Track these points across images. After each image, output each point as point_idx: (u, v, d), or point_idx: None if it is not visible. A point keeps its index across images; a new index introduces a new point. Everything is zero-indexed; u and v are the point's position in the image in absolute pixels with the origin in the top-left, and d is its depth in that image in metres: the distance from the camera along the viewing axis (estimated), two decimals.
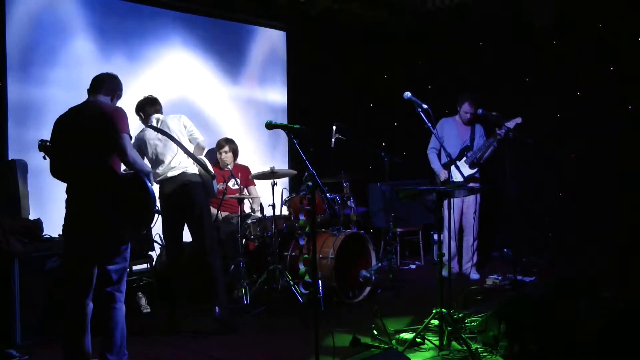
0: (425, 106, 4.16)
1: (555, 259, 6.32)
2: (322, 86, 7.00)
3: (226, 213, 5.70)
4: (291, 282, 5.00)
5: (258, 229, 5.44)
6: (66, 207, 3.39)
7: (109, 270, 3.33)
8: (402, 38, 7.58)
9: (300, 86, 7.04)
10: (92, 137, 3.29)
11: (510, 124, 5.51)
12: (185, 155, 4.40)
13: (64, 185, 3.45)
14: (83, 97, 3.46)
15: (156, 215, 3.50)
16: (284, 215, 5.58)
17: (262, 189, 5.97)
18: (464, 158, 5.89)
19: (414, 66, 7.62)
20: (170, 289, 4.49)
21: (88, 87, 3.48)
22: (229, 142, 5.79)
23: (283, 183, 6.30)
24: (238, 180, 5.35)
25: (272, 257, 5.20)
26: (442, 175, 5.93)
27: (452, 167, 5.57)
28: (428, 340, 3.89)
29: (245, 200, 5.61)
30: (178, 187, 4.37)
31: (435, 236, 6.58)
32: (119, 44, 5.50)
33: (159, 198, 4.31)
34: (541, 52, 6.57)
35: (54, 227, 4.45)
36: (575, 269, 5.85)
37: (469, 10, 6.85)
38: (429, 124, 4.19)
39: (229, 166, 5.74)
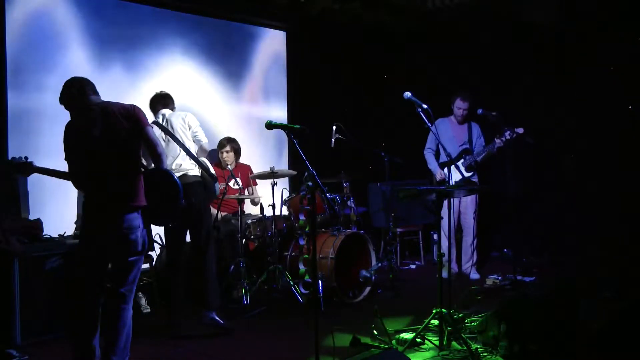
0: (425, 106, 4.16)
1: (555, 259, 6.32)
2: (322, 86, 7.00)
3: (225, 213, 5.70)
4: (291, 282, 5.00)
5: (258, 229, 5.44)
6: (86, 210, 3.27)
7: (127, 271, 3.30)
8: (402, 38, 7.58)
9: (300, 86, 7.04)
10: (121, 137, 3.22)
11: (511, 135, 5.50)
12: (187, 156, 4.35)
13: (64, 186, 3.44)
14: None
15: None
16: (284, 215, 5.58)
17: (262, 189, 5.97)
18: (462, 160, 5.89)
19: (414, 66, 7.62)
20: (170, 289, 4.47)
21: (74, 92, 3.30)
22: (231, 141, 5.79)
23: (283, 183, 6.30)
24: (239, 180, 5.35)
25: (272, 257, 5.20)
26: (439, 175, 5.94)
27: (452, 167, 5.57)
28: (428, 340, 3.89)
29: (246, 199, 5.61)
30: None
31: (435, 236, 6.59)
32: (117, 44, 5.49)
33: None
34: (541, 52, 6.57)
35: (54, 227, 4.46)
36: (575, 269, 5.84)
37: (469, 10, 6.85)
38: (429, 124, 4.19)
39: (230, 166, 5.75)
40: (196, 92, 6.09)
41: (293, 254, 5.33)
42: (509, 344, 3.61)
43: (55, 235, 4.41)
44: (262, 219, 5.45)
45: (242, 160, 6.00)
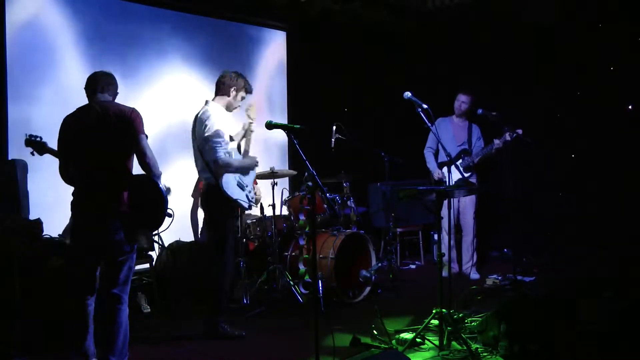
0: (425, 106, 4.16)
1: (555, 259, 6.32)
2: (322, 86, 7.00)
3: None
4: (291, 282, 5.00)
5: (258, 229, 5.44)
6: (73, 208, 3.37)
7: (117, 271, 3.33)
8: (402, 38, 7.58)
9: (300, 86, 7.04)
10: (111, 139, 3.26)
11: (511, 136, 5.50)
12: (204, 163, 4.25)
13: (64, 186, 3.45)
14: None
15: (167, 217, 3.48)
16: (284, 215, 5.58)
17: (262, 189, 5.97)
18: (460, 161, 5.89)
19: (414, 66, 7.62)
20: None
21: (86, 86, 3.41)
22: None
23: (283, 183, 6.29)
24: None
25: (272, 257, 5.20)
26: (436, 174, 5.94)
27: (452, 167, 5.56)
28: (428, 340, 3.89)
29: None
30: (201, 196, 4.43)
31: (435, 236, 6.58)
32: (116, 42, 5.49)
33: None
34: (541, 52, 6.57)
35: (54, 227, 4.46)
36: (575, 269, 5.84)
37: (469, 10, 6.85)
38: (429, 124, 4.19)
39: None
40: (196, 93, 6.08)
41: (293, 254, 5.33)
42: (509, 344, 3.61)
43: (55, 235, 4.41)
44: (262, 219, 5.46)
45: None
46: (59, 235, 4.41)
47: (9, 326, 3.95)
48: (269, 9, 6.61)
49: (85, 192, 3.31)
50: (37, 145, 3.57)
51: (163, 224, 3.47)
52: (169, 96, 5.85)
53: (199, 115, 4.33)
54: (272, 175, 5.21)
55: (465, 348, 3.66)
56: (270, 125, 3.29)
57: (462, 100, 5.97)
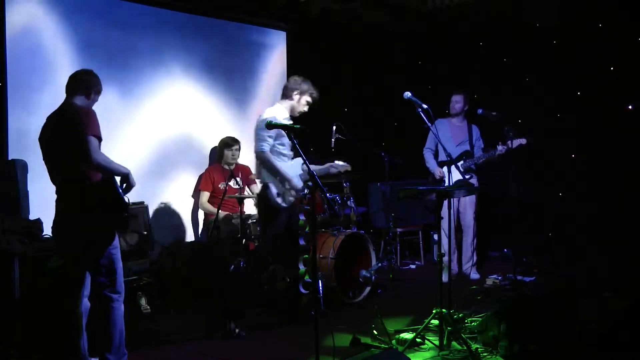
0: (425, 106, 4.17)
1: (555, 259, 6.32)
2: (322, 86, 6.98)
3: (226, 213, 5.69)
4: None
5: (258, 229, 5.43)
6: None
7: (96, 272, 3.36)
8: (402, 38, 7.58)
9: None
10: (60, 141, 3.32)
11: (514, 144, 5.50)
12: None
13: None
14: None
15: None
16: None
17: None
18: (462, 162, 5.88)
19: (414, 66, 7.62)
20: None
21: (68, 87, 3.47)
22: (237, 141, 5.83)
23: None
24: (239, 180, 5.35)
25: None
26: (437, 173, 5.94)
27: (452, 167, 5.57)
28: (428, 340, 3.89)
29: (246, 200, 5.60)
30: None
31: (435, 236, 6.58)
32: (115, 41, 5.49)
33: None
34: (541, 52, 6.57)
35: None
36: (575, 269, 5.84)
37: (469, 10, 6.85)
38: (429, 124, 4.19)
39: (231, 165, 5.76)
40: (196, 93, 6.09)
41: None
42: (509, 344, 3.61)
43: None
44: None
45: (242, 159, 6.00)
46: None
47: (9, 326, 3.95)
48: (269, 9, 6.60)
49: (56, 192, 3.44)
50: None
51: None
52: (168, 95, 5.84)
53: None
54: None
55: (465, 348, 3.66)
56: (270, 125, 3.30)
57: (455, 100, 5.99)
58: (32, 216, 4.47)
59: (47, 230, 4.38)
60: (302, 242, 5.19)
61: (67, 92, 3.48)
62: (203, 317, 4.66)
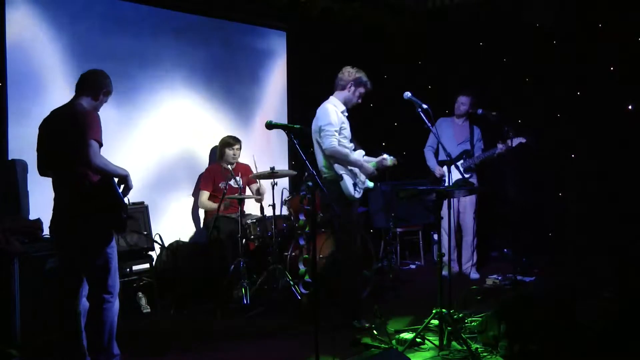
0: (425, 106, 4.17)
1: (555, 259, 6.32)
2: (322, 86, 6.98)
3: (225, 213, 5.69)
4: (291, 282, 4.99)
5: (258, 229, 5.44)
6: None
7: (90, 271, 3.38)
8: (402, 38, 7.58)
9: (300, 86, 7.04)
10: (61, 142, 3.34)
11: (514, 143, 5.50)
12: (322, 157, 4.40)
13: None
14: None
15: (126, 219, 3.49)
16: (284, 215, 5.58)
17: (263, 187, 5.97)
18: (462, 161, 5.89)
19: (414, 66, 7.61)
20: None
21: (77, 86, 3.51)
22: (238, 140, 5.83)
23: (283, 183, 6.29)
24: (239, 179, 5.36)
25: (272, 257, 5.20)
26: (437, 171, 5.94)
27: (452, 167, 5.58)
28: (428, 340, 3.89)
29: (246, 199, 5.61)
30: None
31: (435, 236, 6.58)
32: (113, 40, 5.49)
33: None
34: (541, 52, 6.57)
35: None
36: (575, 268, 5.85)
37: (469, 10, 6.85)
38: (429, 124, 4.20)
39: (231, 165, 5.76)
40: (195, 93, 6.09)
41: (293, 254, 5.32)
42: (509, 344, 3.61)
43: None
44: (262, 219, 5.45)
45: (242, 159, 6.00)
46: None
47: (9, 326, 3.95)
48: (269, 9, 6.60)
49: (54, 191, 3.46)
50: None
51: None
52: (168, 95, 5.84)
53: (318, 109, 4.47)
54: (272, 175, 5.21)
55: (465, 348, 3.66)
56: (270, 125, 3.29)
57: (461, 102, 5.99)
58: (32, 216, 4.47)
59: (47, 230, 4.38)
60: (302, 242, 5.20)
61: (76, 90, 3.49)
62: (203, 317, 4.66)
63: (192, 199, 5.99)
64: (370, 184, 4.61)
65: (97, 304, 3.36)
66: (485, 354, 3.70)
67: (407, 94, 4.26)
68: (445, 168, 5.85)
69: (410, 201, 6.57)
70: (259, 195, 5.79)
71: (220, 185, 5.63)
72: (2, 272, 3.96)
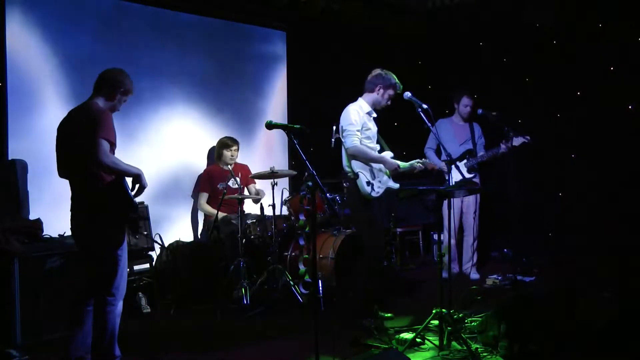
0: (425, 106, 4.17)
1: (555, 259, 6.32)
2: (322, 86, 7.00)
3: (224, 214, 5.68)
4: (291, 282, 4.99)
5: (258, 229, 5.44)
6: None
7: (96, 272, 3.38)
8: (402, 38, 7.58)
9: (300, 86, 7.04)
10: (74, 142, 3.34)
11: (518, 142, 5.49)
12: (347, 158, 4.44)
13: (64, 186, 3.50)
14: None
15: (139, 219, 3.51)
16: (284, 215, 5.58)
17: (262, 189, 5.97)
18: (465, 161, 5.89)
19: (414, 66, 7.61)
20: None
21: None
22: (236, 141, 5.83)
23: (283, 183, 6.29)
24: (238, 179, 5.36)
25: (272, 257, 5.20)
26: (442, 166, 5.91)
27: (452, 167, 5.57)
28: (428, 340, 3.89)
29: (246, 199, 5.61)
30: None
31: (435, 236, 6.58)
32: (111, 38, 5.49)
33: None
34: (541, 52, 6.57)
35: (54, 227, 4.46)
36: (575, 269, 5.85)
37: (469, 10, 6.85)
38: (429, 124, 4.19)
39: (230, 165, 5.76)
40: (196, 93, 6.09)
41: (293, 254, 5.32)
42: (509, 344, 3.61)
43: (55, 235, 4.41)
44: (262, 219, 5.45)
45: (243, 160, 6.00)
46: (59, 235, 4.41)
47: (9, 326, 3.95)
48: (269, 9, 6.60)
49: (71, 190, 3.44)
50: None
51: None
52: (168, 95, 5.84)
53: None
54: (272, 175, 5.21)
55: (465, 348, 3.66)
56: (270, 125, 3.29)
57: (464, 104, 5.97)
58: (32, 216, 4.47)
59: (47, 230, 4.39)
60: (302, 242, 5.20)
61: (93, 89, 3.49)
62: (203, 317, 4.67)
63: (192, 199, 5.99)
64: (395, 185, 4.62)
65: (99, 305, 3.36)
66: (485, 354, 3.70)
67: (407, 94, 4.26)
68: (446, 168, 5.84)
69: (410, 201, 6.57)
70: (257, 195, 5.78)
71: (219, 186, 5.63)
72: (2, 272, 3.96)
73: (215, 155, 5.94)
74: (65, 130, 3.41)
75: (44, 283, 4.10)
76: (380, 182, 4.50)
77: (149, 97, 5.66)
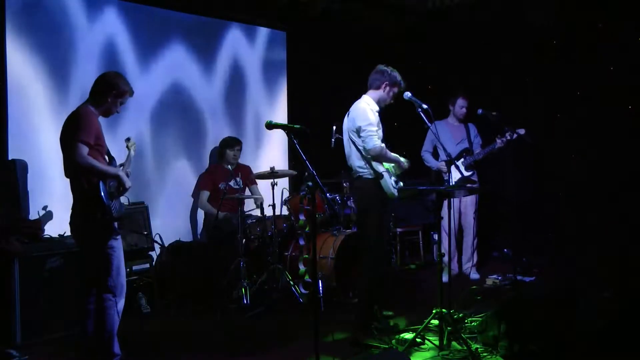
0: (425, 106, 4.17)
1: (555, 259, 6.32)
2: (322, 86, 7.00)
3: (225, 213, 5.69)
4: (291, 282, 5.00)
5: (258, 229, 5.44)
6: None
7: (89, 271, 3.47)
8: (402, 38, 7.58)
9: (300, 86, 7.04)
10: (62, 145, 3.46)
11: (511, 136, 5.50)
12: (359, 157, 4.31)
13: (64, 186, 3.54)
14: None
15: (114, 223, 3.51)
16: (284, 215, 5.58)
17: (262, 189, 5.97)
18: (462, 160, 5.89)
19: (414, 66, 7.60)
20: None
21: None
22: (239, 141, 5.83)
23: (283, 183, 6.29)
24: (239, 179, 5.36)
25: (272, 257, 5.20)
26: (441, 167, 5.90)
27: (452, 167, 5.57)
28: (428, 340, 3.89)
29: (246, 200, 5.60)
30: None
31: (435, 236, 6.58)
32: (111, 38, 5.50)
33: None
34: (541, 52, 6.57)
35: (54, 227, 4.46)
36: (575, 269, 5.85)
37: (469, 10, 6.85)
38: (429, 124, 4.19)
39: (231, 166, 5.76)
40: (196, 93, 6.09)
41: (293, 254, 5.33)
42: (509, 344, 3.61)
43: (55, 235, 4.41)
44: (262, 219, 5.45)
45: (243, 159, 6.01)
46: (59, 235, 4.41)
47: (9, 326, 3.95)
48: (269, 9, 6.60)
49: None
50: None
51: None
52: (167, 96, 5.84)
53: (351, 108, 4.42)
54: (272, 175, 5.21)
55: (465, 348, 3.66)
56: (270, 125, 3.29)
57: (460, 105, 5.97)
58: (32, 216, 4.47)
59: (47, 230, 4.39)
60: (302, 242, 5.20)
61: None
62: (203, 317, 4.67)
63: (192, 199, 5.99)
64: (402, 184, 4.57)
65: (98, 303, 3.40)
66: (485, 354, 3.70)
67: (407, 94, 4.26)
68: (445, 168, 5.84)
69: (410, 201, 6.57)
70: (257, 202, 5.79)
71: (220, 186, 5.63)
72: (2, 272, 3.97)
73: (217, 154, 5.94)
74: (60, 135, 3.51)
75: (44, 283, 4.10)
76: (396, 182, 4.48)
77: (148, 97, 5.66)
